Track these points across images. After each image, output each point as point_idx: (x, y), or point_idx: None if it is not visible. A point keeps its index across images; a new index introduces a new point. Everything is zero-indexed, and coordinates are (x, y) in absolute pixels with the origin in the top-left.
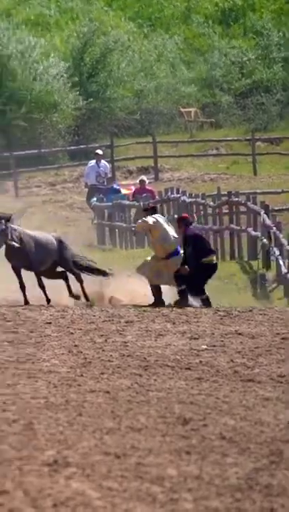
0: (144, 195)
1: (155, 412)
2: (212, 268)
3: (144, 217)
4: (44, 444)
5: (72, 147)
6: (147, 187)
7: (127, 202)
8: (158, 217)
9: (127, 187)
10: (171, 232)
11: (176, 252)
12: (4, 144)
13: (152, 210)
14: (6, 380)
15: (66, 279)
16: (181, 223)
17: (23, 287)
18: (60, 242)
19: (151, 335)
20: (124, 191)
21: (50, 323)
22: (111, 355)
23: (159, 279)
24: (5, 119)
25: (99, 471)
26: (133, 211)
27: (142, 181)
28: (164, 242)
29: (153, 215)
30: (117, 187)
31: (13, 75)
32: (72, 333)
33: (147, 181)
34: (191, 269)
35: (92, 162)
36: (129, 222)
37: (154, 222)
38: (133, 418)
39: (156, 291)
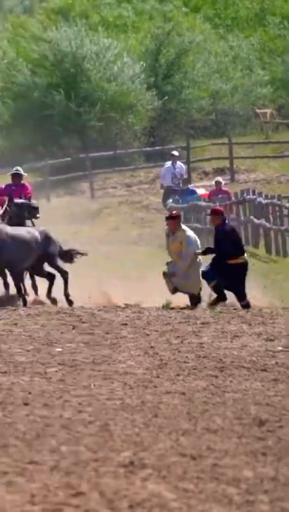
0: (220, 196)
1: (231, 413)
2: (244, 267)
3: (171, 225)
4: (120, 445)
5: (148, 148)
6: (223, 188)
7: (203, 203)
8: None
9: (202, 188)
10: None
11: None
12: (80, 145)
13: (178, 218)
14: (82, 382)
15: (51, 281)
16: (217, 216)
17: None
18: (45, 236)
19: (227, 336)
20: (199, 192)
21: (126, 324)
22: (187, 357)
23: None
24: (80, 120)
25: (175, 473)
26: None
27: (217, 182)
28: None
29: (184, 228)
30: (193, 188)
31: (88, 76)
32: (148, 335)
33: (223, 182)
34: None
35: (168, 163)
36: (204, 223)
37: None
38: (209, 419)
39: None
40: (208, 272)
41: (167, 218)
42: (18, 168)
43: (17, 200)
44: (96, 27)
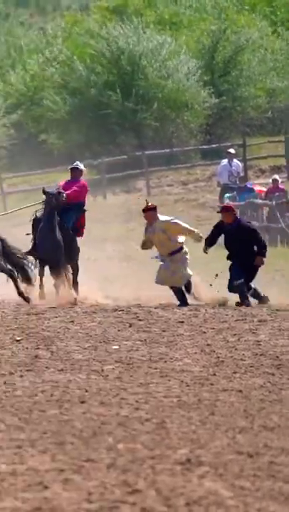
0: (277, 194)
1: (288, 411)
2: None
3: (148, 218)
4: (177, 443)
5: (204, 146)
6: (280, 186)
7: (259, 201)
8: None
9: (259, 186)
10: None
11: (180, 249)
12: (136, 143)
13: (155, 210)
14: (138, 379)
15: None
16: (229, 213)
17: None
18: None
19: (284, 334)
20: (256, 189)
21: (182, 322)
22: (244, 354)
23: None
24: (137, 118)
25: (231, 470)
26: (266, 210)
27: (274, 180)
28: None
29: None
30: (251, 186)
31: (145, 73)
32: (204, 332)
33: (280, 180)
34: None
35: (225, 161)
36: (261, 220)
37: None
38: (266, 417)
39: (180, 294)
40: (237, 284)
41: (144, 210)
42: (78, 162)
43: (48, 189)
44: (151, 24)
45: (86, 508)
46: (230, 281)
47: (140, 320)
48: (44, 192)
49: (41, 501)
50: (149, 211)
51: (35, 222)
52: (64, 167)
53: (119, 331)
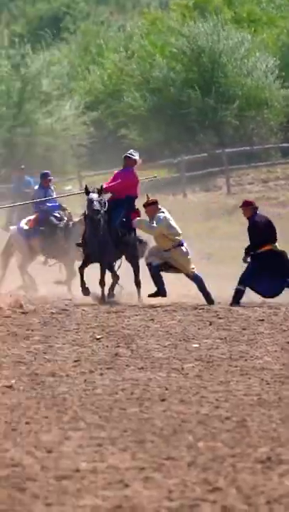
0: None
1: None
2: (274, 255)
3: (149, 212)
4: (257, 441)
5: (285, 144)
6: None
7: None
8: (164, 212)
9: None
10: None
11: (181, 243)
12: (216, 141)
13: (156, 204)
14: (219, 377)
15: None
16: (248, 208)
17: None
18: None
19: None
20: None
21: (262, 320)
22: None
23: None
24: (217, 116)
25: None
26: None
27: None
28: (171, 235)
29: (161, 211)
30: None
31: (225, 71)
32: (285, 331)
33: None
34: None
35: None
36: None
37: (166, 222)
38: None
39: (160, 282)
40: (245, 276)
41: (144, 206)
42: (132, 151)
43: (92, 196)
44: (231, 22)
45: (166, 506)
46: (245, 274)
47: (220, 318)
48: (87, 193)
49: (122, 499)
50: (150, 206)
51: (86, 217)
52: (144, 165)
53: (199, 329)
